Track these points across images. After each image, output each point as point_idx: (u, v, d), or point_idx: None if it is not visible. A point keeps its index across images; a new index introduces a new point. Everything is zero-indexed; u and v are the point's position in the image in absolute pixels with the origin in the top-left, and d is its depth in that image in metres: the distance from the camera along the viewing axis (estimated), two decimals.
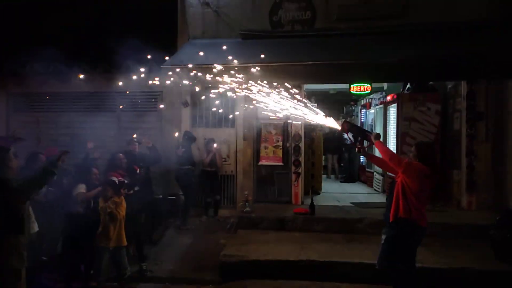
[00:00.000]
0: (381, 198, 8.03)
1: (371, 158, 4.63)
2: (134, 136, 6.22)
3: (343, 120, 4.71)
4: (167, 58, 6.31)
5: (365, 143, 4.07)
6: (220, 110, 7.22)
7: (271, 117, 6.07)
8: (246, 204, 6.57)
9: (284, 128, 7.36)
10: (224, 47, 6.04)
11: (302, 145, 7.27)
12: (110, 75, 7.60)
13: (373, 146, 4.04)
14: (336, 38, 6.67)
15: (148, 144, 6.16)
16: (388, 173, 6.38)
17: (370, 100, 10.49)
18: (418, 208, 3.63)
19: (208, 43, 6.88)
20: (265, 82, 4.68)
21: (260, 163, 7.38)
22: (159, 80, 5.92)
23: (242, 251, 5.47)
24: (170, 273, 5.42)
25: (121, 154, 5.60)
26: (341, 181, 10.67)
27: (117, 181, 4.55)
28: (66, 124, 8.00)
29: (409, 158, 3.84)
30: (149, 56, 6.05)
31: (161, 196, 7.09)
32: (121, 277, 4.69)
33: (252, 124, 7.36)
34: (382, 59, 5.86)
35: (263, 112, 7.15)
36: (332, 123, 4.22)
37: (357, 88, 9.36)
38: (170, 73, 5.75)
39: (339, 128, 4.21)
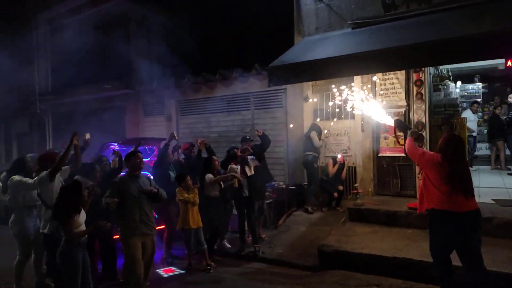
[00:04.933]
0: None
1: None
2: (247, 135, 7.00)
3: (396, 118, 4.89)
4: None
5: None
6: (339, 102, 7.25)
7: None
8: (357, 196, 6.48)
9: (406, 116, 6.82)
10: (333, 40, 6.16)
11: (426, 133, 6.60)
12: (244, 78, 8.69)
13: None
14: (457, 10, 5.79)
15: (259, 133, 6.81)
16: None
17: None
18: (442, 195, 3.66)
19: (319, 38, 7.03)
20: None
21: (380, 154, 7.07)
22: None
23: (341, 242, 5.54)
24: (278, 256, 5.95)
25: (236, 149, 6.47)
26: (509, 174, 8.92)
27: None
28: (216, 123, 9.53)
29: None
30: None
31: (284, 186, 7.69)
32: (201, 251, 5.65)
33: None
34: None
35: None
36: (385, 119, 4.60)
37: None
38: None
39: (392, 124, 4.56)
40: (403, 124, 4.73)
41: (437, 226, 3.76)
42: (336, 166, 7.30)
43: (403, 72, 6.79)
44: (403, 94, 6.82)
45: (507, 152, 9.49)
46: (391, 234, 5.63)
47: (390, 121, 4.94)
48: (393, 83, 6.91)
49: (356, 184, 6.75)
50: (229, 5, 8.89)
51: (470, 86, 11.00)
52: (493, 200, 6.19)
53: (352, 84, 6.77)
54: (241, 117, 8.96)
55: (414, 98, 6.69)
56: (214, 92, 9.26)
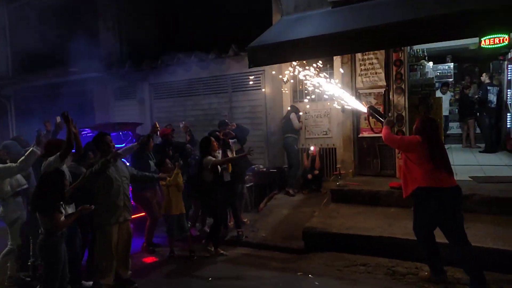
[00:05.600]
0: None
1: None
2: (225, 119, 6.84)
3: (369, 105, 4.94)
4: None
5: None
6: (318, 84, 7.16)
7: None
8: (339, 177, 6.48)
9: (385, 97, 6.84)
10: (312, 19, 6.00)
11: (405, 114, 6.65)
12: (220, 60, 8.43)
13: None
14: None
15: (233, 126, 6.65)
16: None
17: None
18: (426, 173, 3.80)
19: (298, 17, 6.85)
20: None
21: (361, 135, 7.09)
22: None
23: (326, 223, 5.53)
24: (262, 240, 5.88)
25: (218, 132, 6.28)
26: (480, 151, 9.22)
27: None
28: (191, 107, 9.24)
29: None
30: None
31: (265, 169, 7.60)
32: (185, 238, 5.52)
33: (351, 95, 7.08)
34: None
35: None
36: (358, 106, 4.71)
37: (489, 41, 7.80)
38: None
39: (364, 111, 4.69)
40: (378, 112, 4.79)
41: (423, 204, 3.86)
42: (310, 158, 7.40)
43: (383, 52, 6.77)
44: (383, 74, 6.81)
45: (477, 130, 9.81)
46: (374, 214, 5.68)
47: (363, 109, 4.97)
48: (372, 63, 6.88)
49: (338, 166, 6.75)
50: None
51: (441, 66, 11.21)
52: (470, 177, 6.36)
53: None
54: (218, 100, 8.72)
55: (394, 78, 6.70)
56: (190, 75, 8.93)
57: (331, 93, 5.34)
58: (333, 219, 5.66)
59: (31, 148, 4.41)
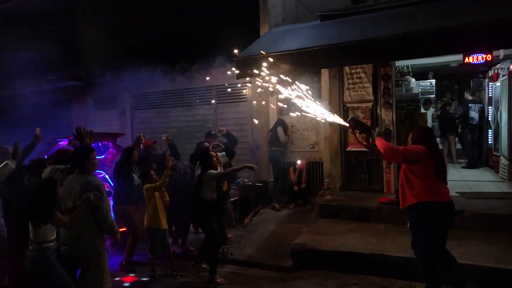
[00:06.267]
0: (503, 187, 6.79)
1: (377, 152, 4.06)
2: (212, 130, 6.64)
3: (350, 118, 4.73)
4: None
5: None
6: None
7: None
8: (327, 192, 6.35)
9: (373, 111, 6.80)
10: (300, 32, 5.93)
11: (393, 129, 6.61)
12: (205, 71, 8.25)
13: None
14: (427, 4, 5.80)
15: (223, 131, 6.47)
16: None
17: (497, 70, 8.79)
18: (428, 187, 3.59)
19: (287, 29, 6.80)
20: None
21: (348, 149, 7.00)
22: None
23: (315, 240, 5.36)
24: (248, 257, 5.64)
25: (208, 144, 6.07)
26: (462, 167, 9.31)
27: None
28: (175, 118, 9.00)
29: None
30: (235, 50, 6.37)
31: (250, 183, 7.39)
32: (167, 255, 5.27)
33: (338, 109, 7.02)
34: None
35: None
36: (339, 120, 4.37)
37: (473, 58, 7.92)
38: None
39: (346, 124, 4.29)
40: (362, 124, 4.40)
41: (427, 220, 3.62)
42: (297, 172, 7.29)
43: (370, 66, 6.75)
44: (371, 88, 6.77)
45: (458, 146, 9.93)
46: (364, 230, 5.54)
47: (342, 122, 4.65)
48: (360, 77, 6.85)
49: (327, 180, 6.62)
50: None
51: (423, 83, 11.37)
52: (457, 193, 6.31)
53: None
54: (203, 111, 8.53)
55: (382, 92, 6.67)
56: (173, 85, 8.74)
57: (311, 109, 5.16)
58: (322, 236, 5.49)
59: (5, 162, 4.12)
